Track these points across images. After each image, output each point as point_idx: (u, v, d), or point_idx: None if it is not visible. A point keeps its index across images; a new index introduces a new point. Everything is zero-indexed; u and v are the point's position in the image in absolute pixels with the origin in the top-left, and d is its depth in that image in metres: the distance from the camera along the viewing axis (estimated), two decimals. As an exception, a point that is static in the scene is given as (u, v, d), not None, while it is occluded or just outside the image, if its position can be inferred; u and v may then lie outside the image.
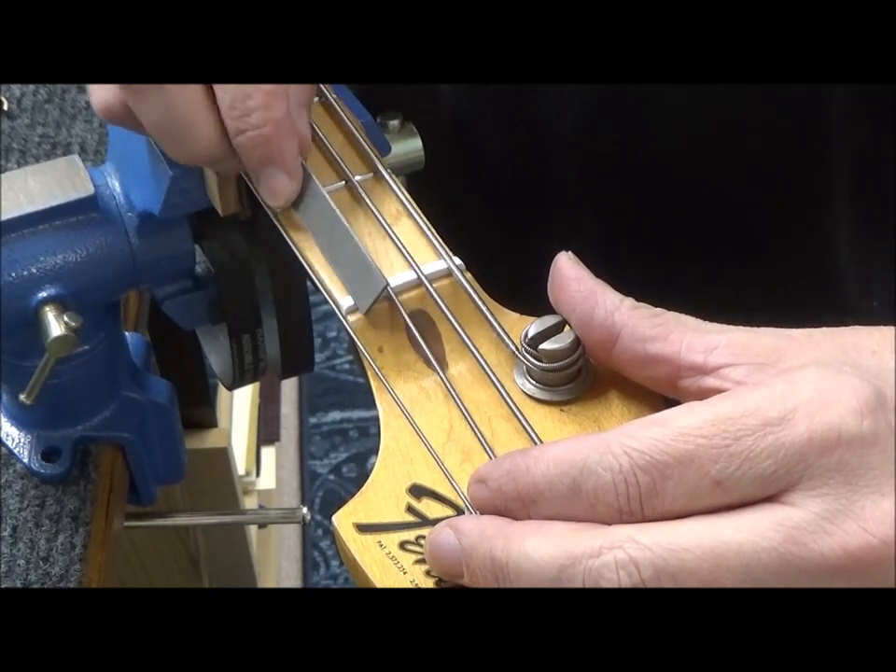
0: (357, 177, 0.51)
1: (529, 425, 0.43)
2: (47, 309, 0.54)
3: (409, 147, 0.57)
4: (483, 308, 0.47)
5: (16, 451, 0.62)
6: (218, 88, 0.47)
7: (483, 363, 0.45)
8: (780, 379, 0.37)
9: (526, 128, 0.67)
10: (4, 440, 0.62)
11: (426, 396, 0.45)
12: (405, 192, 0.51)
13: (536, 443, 0.43)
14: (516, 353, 0.45)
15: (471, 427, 0.44)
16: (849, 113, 0.57)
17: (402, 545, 0.41)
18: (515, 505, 0.38)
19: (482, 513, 0.40)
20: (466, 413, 0.44)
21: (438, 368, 0.46)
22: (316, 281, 0.49)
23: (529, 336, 0.44)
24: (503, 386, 0.45)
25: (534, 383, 0.45)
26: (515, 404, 0.44)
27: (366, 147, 0.52)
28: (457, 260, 0.48)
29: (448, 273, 0.48)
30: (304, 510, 0.69)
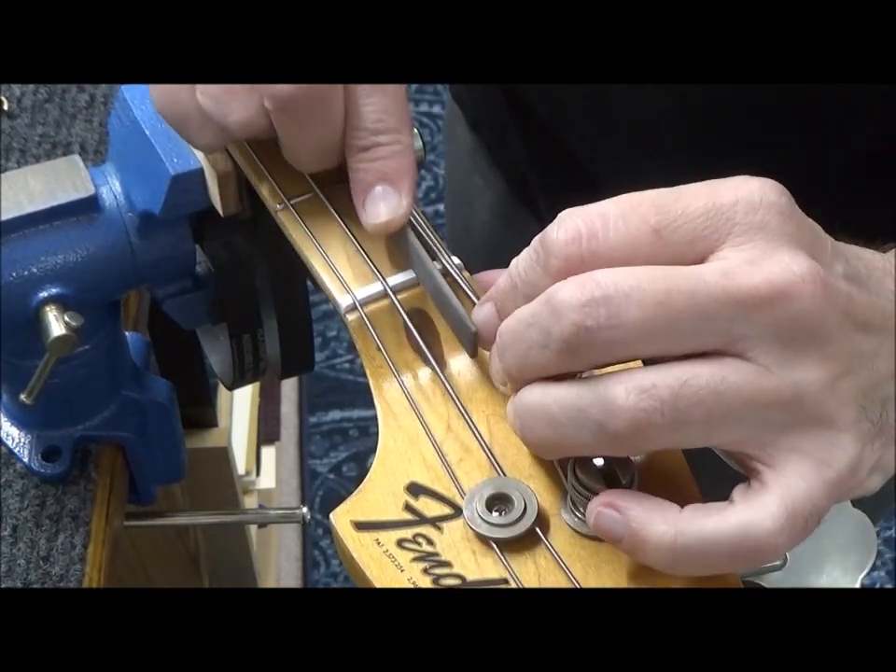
0: None
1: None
2: (47, 309, 0.54)
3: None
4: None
5: (16, 451, 0.62)
6: (362, 94, 0.48)
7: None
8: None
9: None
10: (4, 439, 0.62)
11: (424, 395, 0.45)
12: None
13: None
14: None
15: (469, 426, 0.44)
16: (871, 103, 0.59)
17: (400, 543, 0.41)
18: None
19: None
20: (463, 412, 0.44)
21: (436, 367, 0.46)
22: (316, 281, 0.49)
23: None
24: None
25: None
26: None
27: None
28: (456, 260, 0.48)
29: (446, 273, 0.48)
30: (304, 509, 0.69)
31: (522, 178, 0.81)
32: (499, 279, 0.43)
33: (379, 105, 0.48)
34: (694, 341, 0.39)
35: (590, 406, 0.39)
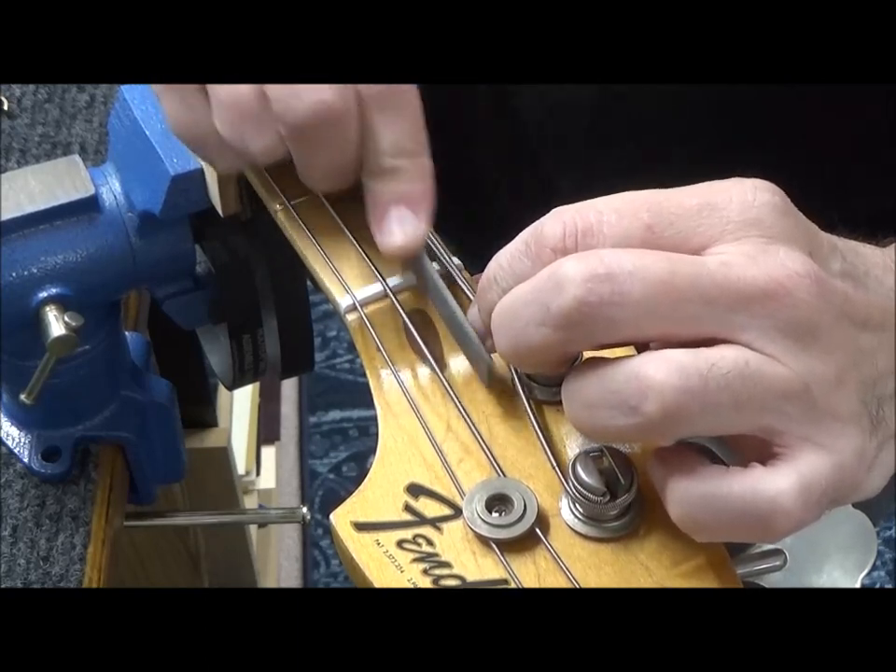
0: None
1: (537, 423, 0.43)
2: (47, 309, 0.54)
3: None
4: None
5: (16, 450, 0.62)
6: (379, 118, 0.47)
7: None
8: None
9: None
10: (4, 439, 0.62)
11: (424, 395, 0.46)
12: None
13: (539, 436, 0.43)
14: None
15: (469, 426, 0.44)
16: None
17: (400, 543, 0.41)
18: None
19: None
20: (463, 412, 0.44)
21: (436, 367, 0.46)
22: (316, 281, 0.49)
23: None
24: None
25: None
26: (528, 409, 0.44)
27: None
28: (456, 260, 0.48)
29: (446, 273, 0.48)
30: (304, 509, 0.69)
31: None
32: (480, 279, 0.43)
33: (396, 128, 0.47)
34: (695, 326, 0.38)
35: (623, 385, 0.38)
